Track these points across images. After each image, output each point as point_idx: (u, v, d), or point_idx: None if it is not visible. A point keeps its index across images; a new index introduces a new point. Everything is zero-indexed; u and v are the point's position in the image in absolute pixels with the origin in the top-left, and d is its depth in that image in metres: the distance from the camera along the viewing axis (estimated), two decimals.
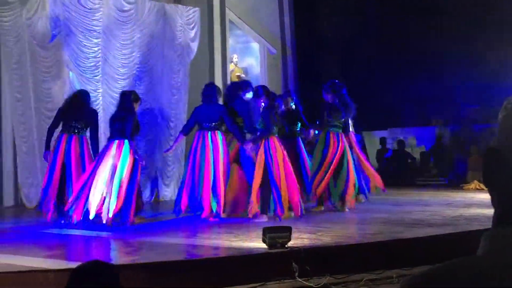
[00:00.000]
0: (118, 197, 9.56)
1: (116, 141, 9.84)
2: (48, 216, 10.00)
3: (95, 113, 10.63)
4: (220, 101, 10.88)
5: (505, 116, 1.39)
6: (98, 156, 9.94)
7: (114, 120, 10.10)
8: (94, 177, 9.61)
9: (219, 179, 10.18)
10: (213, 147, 10.26)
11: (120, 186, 9.61)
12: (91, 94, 12.59)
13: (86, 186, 9.60)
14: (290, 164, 10.15)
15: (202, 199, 10.17)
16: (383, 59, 22.16)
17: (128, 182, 9.70)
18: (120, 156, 9.76)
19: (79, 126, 10.34)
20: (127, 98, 10.29)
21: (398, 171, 17.54)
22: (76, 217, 9.51)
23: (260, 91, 10.48)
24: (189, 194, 10.25)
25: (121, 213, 9.72)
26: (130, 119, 10.01)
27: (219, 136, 10.37)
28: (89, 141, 10.37)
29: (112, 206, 9.51)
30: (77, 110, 10.32)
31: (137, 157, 9.90)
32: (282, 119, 11.01)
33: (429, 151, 18.27)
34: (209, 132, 10.34)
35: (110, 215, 9.52)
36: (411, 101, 23.43)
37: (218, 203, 10.07)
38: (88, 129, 10.44)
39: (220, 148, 10.30)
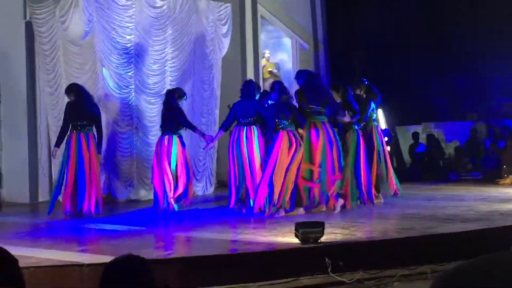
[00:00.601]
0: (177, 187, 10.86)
1: (166, 137, 11.02)
2: (66, 209, 10.22)
3: (97, 110, 11.00)
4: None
5: None
6: (155, 152, 11.09)
7: (164, 119, 11.13)
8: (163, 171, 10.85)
9: (255, 174, 10.38)
10: (247, 142, 10.47)
11: (177, 177, 10.84)
12: (123, 90, 12.75)
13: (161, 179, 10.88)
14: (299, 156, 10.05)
15: (244, 194, 10.58)
16: (417, 54, 22.00)
17: (182, 173, 10.91)
18: (170, 150, 10.93)
19: (84, 124, 10.59)
20: (171, 97, 11.12)
21: (428, 166, 17.41)
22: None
23: (275, 86, 10.48)
24: (236, 189, 10.64)
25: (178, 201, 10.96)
26: (178, 118, 11.04)
27: (254, 131, 10.51)
28: (95, 137, 10.76)
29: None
30: (81, 108, 10.54)
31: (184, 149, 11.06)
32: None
33: (463, 145, 18.10)
34: (245, 127, 10.53)
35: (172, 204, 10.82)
36: (446, 95, 23.25)
37: (256, 197, 10.14)
38: (94, 126, 10.81)
39: (254, 143, 10.43)
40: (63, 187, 10.44)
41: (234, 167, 10.61)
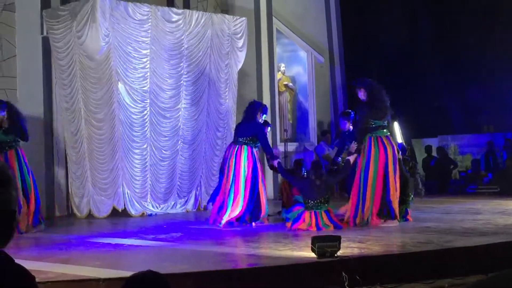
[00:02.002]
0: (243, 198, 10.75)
1: (237, 146, 10.94)
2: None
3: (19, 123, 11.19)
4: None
5: None
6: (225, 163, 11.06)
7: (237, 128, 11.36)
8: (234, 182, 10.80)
9: (236, 189, 10.72)
10: (236, 160, 10.83)
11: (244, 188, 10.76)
12: (138, 105, 12.79)
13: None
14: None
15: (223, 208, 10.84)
16: (433, 67, 21.95)
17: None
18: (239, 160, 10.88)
19: (9, 140, 10.95)
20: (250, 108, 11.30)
21: (441, 179, 17.30)
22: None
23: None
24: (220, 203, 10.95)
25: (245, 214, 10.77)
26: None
27: (244, 150, 10.82)
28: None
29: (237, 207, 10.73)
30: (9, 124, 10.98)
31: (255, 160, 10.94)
32: None
33: (480, 158, 18.00)
34: (237, 146, 10.92)
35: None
36: (462, 108, 23.15)
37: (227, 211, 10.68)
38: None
39: (241, 161, 10.77)
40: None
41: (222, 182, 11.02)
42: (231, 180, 10.70)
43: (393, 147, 10.31)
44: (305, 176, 11.07)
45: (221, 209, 10.73)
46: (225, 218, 10.59)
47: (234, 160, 10.73)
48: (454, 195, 15.99)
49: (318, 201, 9.96)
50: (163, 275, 2.50)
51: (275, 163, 11.05)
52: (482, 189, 16.27)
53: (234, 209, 10.61)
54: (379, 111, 10.28)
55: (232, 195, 10.64)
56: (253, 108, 11.10)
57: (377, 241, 8.42)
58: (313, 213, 9.89)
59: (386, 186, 10.12)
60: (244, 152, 10.75)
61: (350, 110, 11.61)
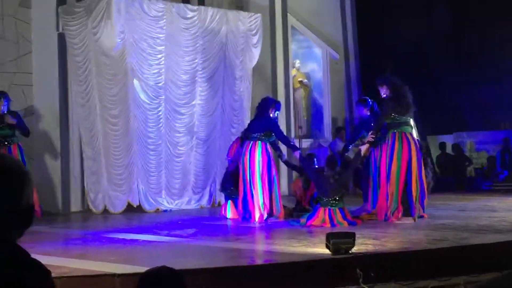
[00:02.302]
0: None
1: (251, 142, 10.86)
2: None
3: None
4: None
5: None
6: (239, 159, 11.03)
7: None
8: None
9: (254, 185, 10.70)
10: (250, 156, 10.79)
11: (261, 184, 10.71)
12: (153, 101, 12.82)
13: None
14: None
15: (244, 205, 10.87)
16: (450, 64, 21.84)
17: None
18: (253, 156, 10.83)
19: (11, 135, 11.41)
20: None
21: (455, 176, 17.24)
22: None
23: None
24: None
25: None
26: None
27: (258, 145, 10.79)
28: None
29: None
30: None
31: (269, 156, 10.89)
32: None
33: (496, 155, 17.91)
34: (251, 141, 10.88)
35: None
36: (478, 104, 23.03)
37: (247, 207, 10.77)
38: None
39: (255, 157, 10.74)
40: None
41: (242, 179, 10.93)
42: (248, 177, 10.68)
43: (416, 143, 10.31)
44: (319, 170, 11.07)
45: (246, 205, 10.72)
46: (257, 215, 10.61)
47: (248, 156, 10.72)
48: (470, 192, 15.93)
49: (332, 198, 9.95)
50: (178, 270, 2.51)
51: (297, 153, 11.08)
52: (497, 186, 16.20)
53: (258, 206, 10.61)
54: (403, 107, 10.27)
55: (252, 192, 10.64)
56: (266, 104, 11.08)
57: (392, 238, 8.40)
58: (327, 210, 9.89)
59: (408, 183, 10.11)
60: (258, 148, 10.74)
61: (367, 97, 11.53)
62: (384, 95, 10.49)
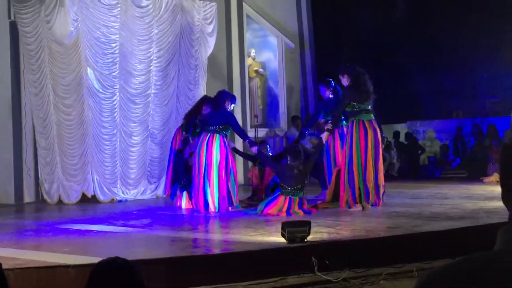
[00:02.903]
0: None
1: (209, 135, 10.78)
2: None
3: None
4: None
5: None
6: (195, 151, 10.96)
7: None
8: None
9: (210, 178, 10.69)
10: (207, 148, 10.76)
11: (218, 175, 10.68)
12: (108, 90, 12.73)
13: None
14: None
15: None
16: (403, 53, 22.05)
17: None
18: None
19: None
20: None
21: (409, 164, 17.46)
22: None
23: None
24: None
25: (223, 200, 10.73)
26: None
27: (216, 138, 10.77)
28: None
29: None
30: None
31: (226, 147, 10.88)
32: None
33: (448, 143, 18.17)
34: (208, 134, 10.81)
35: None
36: (431, 93, 23.31)
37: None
38: None
39: (213, 150, 10.72)
40: None
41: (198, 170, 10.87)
42: (203, 169, 10.67)
43: (375, 130, 10.35)
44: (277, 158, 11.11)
45: (203, 196, 10.72)
46: (211, 206, 10.62)
47: (205, 148, 10.69)
48: (423, 180, 16.16)
49: (295, 188, 10.01)
50: (132, 261, 2.51)
51: (254, 149, 11.09)
52: (450, 174, 16.45)
53: (212, 196, 10.63)
54: (363, 95, 10.32)
55: (207, 183, 10.64)
56: (222, 97, 11.05)
57: (347, 226, 8.47)
58: (287, 198, 9.94)
59: (364, 171, 10.21)
60: (216, 141, 10.70)
61: (330, 79, 11.57)
62: (345, 84, 10.58)
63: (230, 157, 10.86)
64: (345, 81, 10.58)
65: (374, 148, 10.27)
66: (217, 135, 10.73)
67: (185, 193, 11.31)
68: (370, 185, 10.22)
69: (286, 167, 10.26)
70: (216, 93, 11.33)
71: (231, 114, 11.06)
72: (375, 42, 21.61)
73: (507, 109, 17.80)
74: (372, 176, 10.23)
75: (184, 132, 11.73)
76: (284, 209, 9.86)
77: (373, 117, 10.46)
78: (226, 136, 10.91)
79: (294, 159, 10.20)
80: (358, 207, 10.12)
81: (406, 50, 21.98)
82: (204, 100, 11.82)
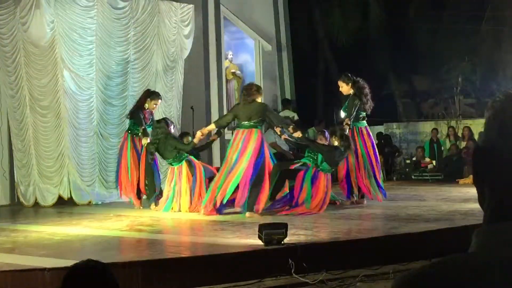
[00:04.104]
0: None
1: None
2: None
3: None
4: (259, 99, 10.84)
5: (492, 114, 1.39)
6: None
7: None
8: None
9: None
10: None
11: None
12: (84, 92, 12.66)
13: None
14: None
15: None
16: (380, 55, 22.18)
17: None
18: None
19: None
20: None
21: (385, 166, 17.52)
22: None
23: None
24: None
25: None
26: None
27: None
28: None
29: None
30: None
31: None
32: None
33: (424, 146, 18.27)
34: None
35: None
36: (407, 96, 23.45)
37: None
38: None
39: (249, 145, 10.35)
40: None
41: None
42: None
43: (369, 135, 11.36)
44: None
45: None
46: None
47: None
48: (399, 182, 16.24)
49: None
50: (107, 264, 2.50)
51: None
52: (426, 176, 16.55)
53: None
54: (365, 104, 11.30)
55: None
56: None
57: (323, 228, 8.50)
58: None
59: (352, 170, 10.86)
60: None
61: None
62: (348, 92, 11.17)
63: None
64: (345, 88, 11.21)
65: (367, 153, 11.03)
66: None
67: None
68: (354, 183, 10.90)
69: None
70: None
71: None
72: (352, 44, 21.70)
73: (482, 111, 17.94)
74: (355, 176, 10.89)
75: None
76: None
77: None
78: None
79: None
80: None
81: (381, 52, 22.11)
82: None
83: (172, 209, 10.76)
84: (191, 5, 14.75)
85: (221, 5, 16.53)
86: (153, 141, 11.07)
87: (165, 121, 11.24)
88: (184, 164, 10.83)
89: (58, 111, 12.49)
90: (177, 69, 14.44)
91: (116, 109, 13.26)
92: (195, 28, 14.83)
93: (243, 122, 10.28)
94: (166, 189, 11.07)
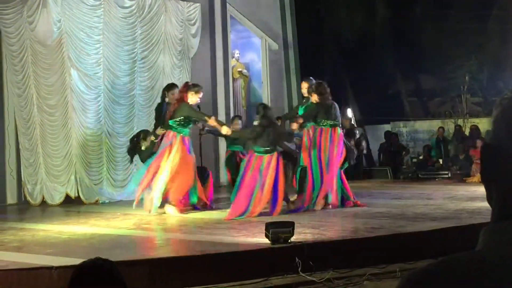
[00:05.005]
0: None
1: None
2: None
3: None
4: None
5: (500, 112, 1.39)
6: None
7: None
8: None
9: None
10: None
11: None
12: (92, 91, 12.67)
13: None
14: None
15: None
16: (387, 54, 22.14)
17: None
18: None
19: None
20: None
21: (392, 165, 17.51)
22: None
23: None
24: None
25: None
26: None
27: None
28: None
29: None
30: None
31: None
32: None
33: (431, 144, 18.25)
34: None
35: None
36: (414, 94, 23.41)
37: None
38: None
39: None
40: None
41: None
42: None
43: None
44: None
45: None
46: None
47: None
48: (406, 180, 16.22)
49: None
50: (114, 262, 2.50)
51: None
52: (433, 174, 16.52)
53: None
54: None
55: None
56: None
57: (330, 227, 8.50)
58: None
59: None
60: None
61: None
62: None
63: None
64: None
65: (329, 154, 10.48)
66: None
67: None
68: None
69: None
70: None
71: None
72: (358, 43, 21.68)
73: (489, 109, 17.89)
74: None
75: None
76: None
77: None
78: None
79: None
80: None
81: (389, 51, 22.07)
82: None
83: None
84: (198, 4, 14.76)
85: (227, 4, 16.54)
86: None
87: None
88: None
89: (66, 110, 12.51)
90: (184, 68, 14.46)
91: (123, 108, 13.27)
92: (201, 27, 14.84)
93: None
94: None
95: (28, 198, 12.86)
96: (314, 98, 10.70)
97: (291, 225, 7.21)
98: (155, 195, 10.28)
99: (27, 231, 9.15)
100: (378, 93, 21.69)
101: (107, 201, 12.85)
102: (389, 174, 16.88)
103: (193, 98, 10.61)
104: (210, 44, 15.94)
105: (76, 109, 12.52)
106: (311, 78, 11.27)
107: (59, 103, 12.57)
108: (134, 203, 10.46)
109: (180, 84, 14.19)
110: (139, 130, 12.03)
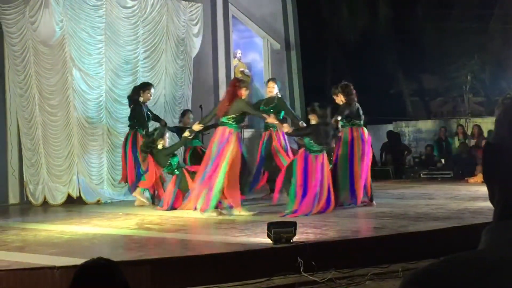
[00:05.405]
0: None
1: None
2: None
3: None
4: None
5: (503, 111, 1.39)
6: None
7: None
8: None
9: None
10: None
11: None
12: (94, 91, 12.67)
13: None
14: None
15: None
16: (388, 53, 22.14)
17: None
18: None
19: None
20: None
21: (394, 164, 17.51)
22: None
23: None
24: None
25: None
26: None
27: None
28: None
29: None
30: None
31: None
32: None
33: (433, 144, 18.25)
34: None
35: None
36: (416, 94, 23.41)
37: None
38: None
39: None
40: None
41: None
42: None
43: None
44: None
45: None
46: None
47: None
48: (408, 180, 16.21)
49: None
50: (116, 262, 2.50)
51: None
52: (435, 174, 16.51)
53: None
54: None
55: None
56: None
57: (332, 226, 8.49)
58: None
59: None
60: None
61: None
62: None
63: None
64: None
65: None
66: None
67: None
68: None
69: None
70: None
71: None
72: (360, 43, 21.68)
73: (492, 109, 17.90)
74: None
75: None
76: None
77: None
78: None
79: None
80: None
81: (391, 51, 22.08)
82: None
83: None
84: (200, 4, 14.77)
85: (229, 4, 16.54)
86: None
87: None
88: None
89: (68, 110, 12.52)
90: (186, 68, 14.46)
91: (125, 108, 13.25)
92: (204, 26, 14.84)
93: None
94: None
95: (30, 198, 12.87)
96: (340, 98, 10.95)
97: (293, 225, 7.21)
98: (213, 193, 9.94)
99: (29, 231, 9.15)
100: (380, 93, 21.69)
101: (108, 201, 12.85)
102: (391, 173, 16.88)
103: (245, 94, 10.46)
104: (212, 44, 15.95)
105: (78, 109, 12.53)
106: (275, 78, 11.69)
107: (61, 103, 12.58)
108: (135, 203, 10.48)
109: (181, 84, 14.26)
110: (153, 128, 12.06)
